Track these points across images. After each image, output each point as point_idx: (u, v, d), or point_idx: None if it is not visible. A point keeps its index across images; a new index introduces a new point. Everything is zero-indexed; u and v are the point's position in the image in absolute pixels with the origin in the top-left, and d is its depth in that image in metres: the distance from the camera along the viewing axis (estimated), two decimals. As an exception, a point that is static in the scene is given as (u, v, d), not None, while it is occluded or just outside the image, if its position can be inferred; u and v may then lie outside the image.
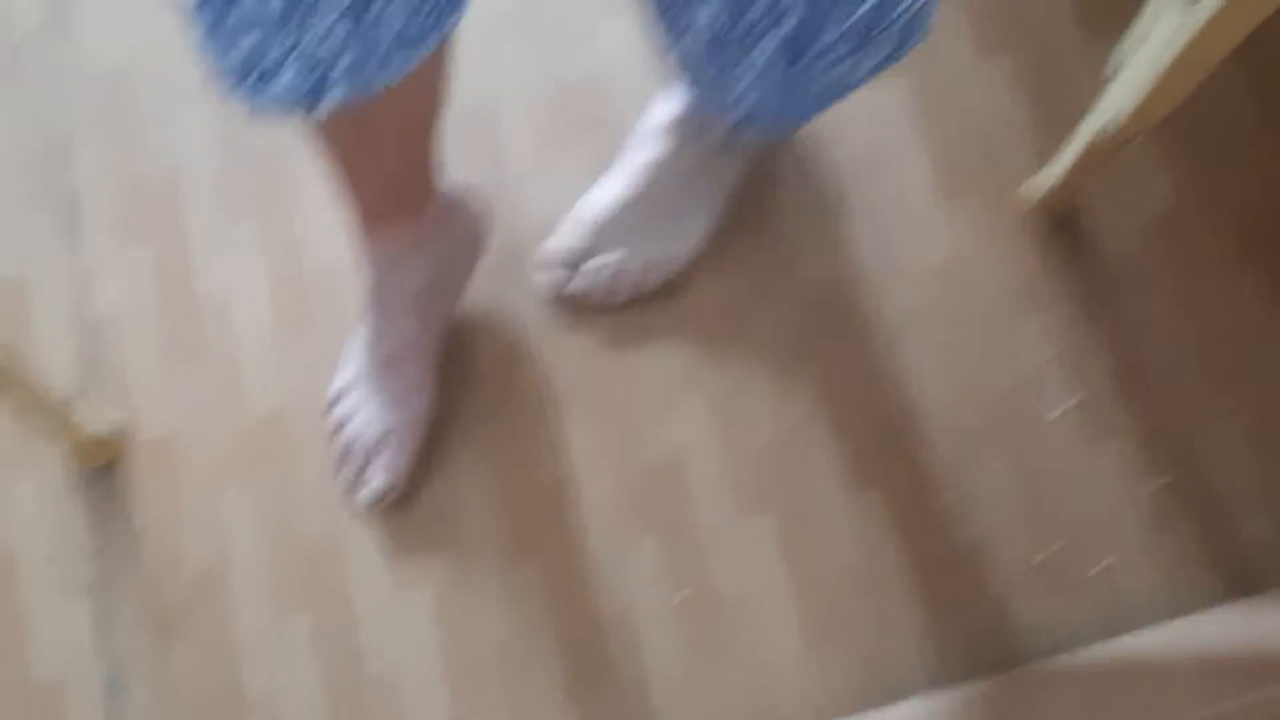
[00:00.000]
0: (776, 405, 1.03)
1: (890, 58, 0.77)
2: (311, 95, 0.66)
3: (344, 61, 0.65)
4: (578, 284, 1.04)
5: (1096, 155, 0.95)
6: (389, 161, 0.86)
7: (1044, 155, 1.05)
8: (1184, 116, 0.99)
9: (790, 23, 0.73)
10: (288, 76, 0.65)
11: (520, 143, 1.11)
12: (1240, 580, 0.98)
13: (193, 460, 1.01)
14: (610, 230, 1.04)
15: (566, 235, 1.04)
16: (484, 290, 1.06)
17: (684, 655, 0.96)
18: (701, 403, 1.03)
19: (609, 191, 1.04)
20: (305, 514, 1.00)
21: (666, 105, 1.04)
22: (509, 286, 1.07)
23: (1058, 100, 1.10)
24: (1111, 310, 1.05)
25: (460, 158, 1.00)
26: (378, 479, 0.98)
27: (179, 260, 1.07)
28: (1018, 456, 1.01)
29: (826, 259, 1.07)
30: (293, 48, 0.63)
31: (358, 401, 1.00)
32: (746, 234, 1.08)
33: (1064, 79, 1.11)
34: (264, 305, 1.06)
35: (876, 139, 1.10)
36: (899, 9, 0.72)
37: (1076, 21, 1.13)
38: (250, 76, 0.65)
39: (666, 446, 1.02)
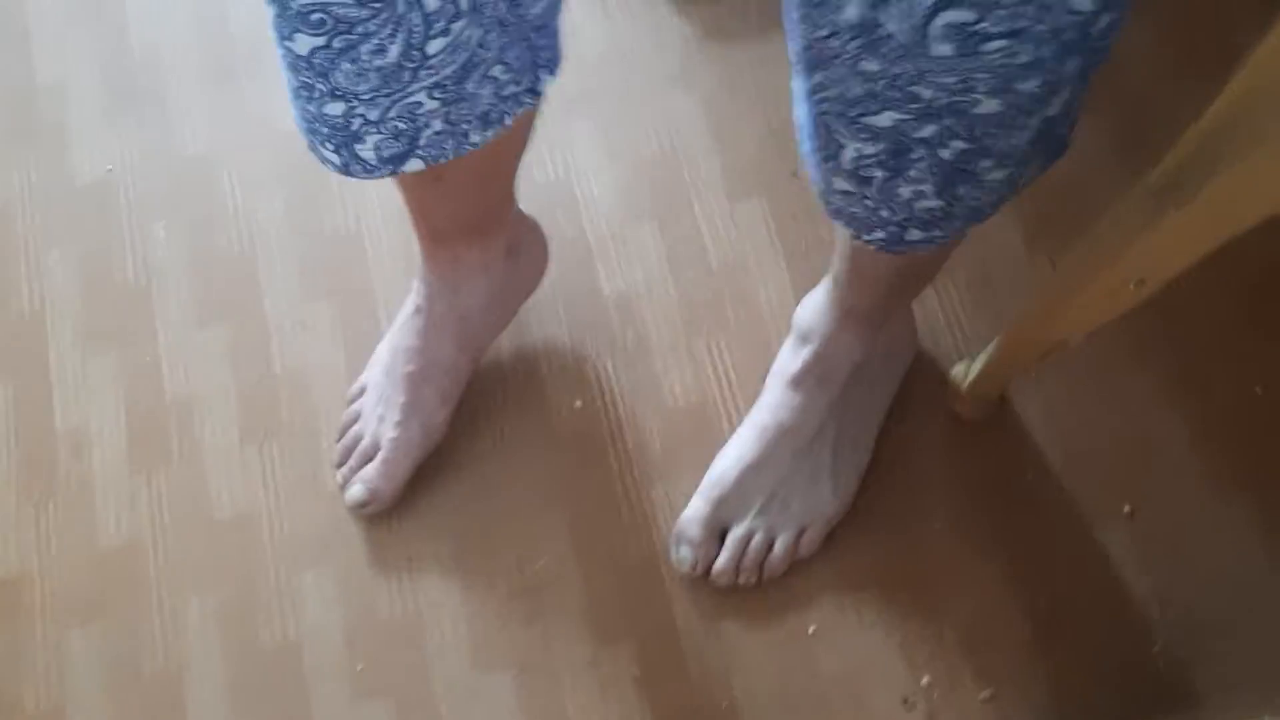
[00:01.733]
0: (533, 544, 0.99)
1: (1040, 170, 0.73)
2: (391, 163, 0.69)
3: (427, 135, 0.67)
4: (725, 559, 0.95)
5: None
6: (461, 204, 0.87)
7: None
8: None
9: (949, 153, 0.68)
10: (371, 144, 0.67)
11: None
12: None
13: (38, 598, 0.98)
14: (751, 495, 0.95)
15: (702, 503, 0.96)
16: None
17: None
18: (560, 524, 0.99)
19: (743, 452, 0.96)
20: (145, 650, 0.96)
21: (792, 357, 0.98)
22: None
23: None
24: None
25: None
26: (357, 488, 0.97)
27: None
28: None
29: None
30: (380, 119, 0.65)
31: (371, 403, 0.99)
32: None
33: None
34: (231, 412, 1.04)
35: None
36: (1057, 130, 0.68)
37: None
38: (335, 140, 0.67)
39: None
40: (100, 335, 1.07)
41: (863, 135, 0.66)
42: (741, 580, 0.95)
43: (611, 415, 1.03)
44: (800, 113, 0.71)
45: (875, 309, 0.93)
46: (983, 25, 0.54)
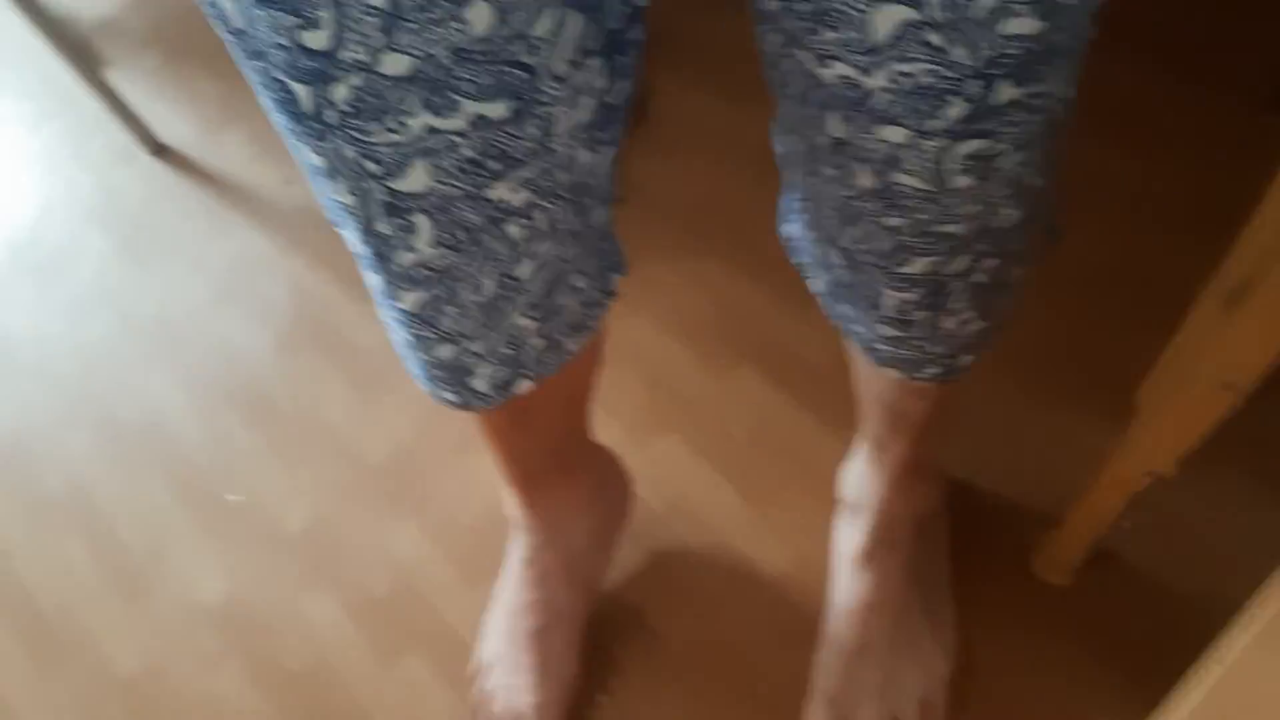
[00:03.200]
0: None
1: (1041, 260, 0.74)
2: (504, 389, 0.72)
3: (530, 354, 0.70)
4: None
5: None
6: (548, 436, 0.88)
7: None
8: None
9: (983, 275, 0.68)
10: (484, 376, 0.70)
11: None
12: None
13: None
14: (864, 683, 0.93)
15: (820, 711, 0.93)
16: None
17: None
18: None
19: (841, 643, 0.94)
20: None
21: (851, 534, 0.97)
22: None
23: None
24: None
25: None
26: None
27: None
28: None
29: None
30: (488, 351, 0.68)
31: (501, 676, 0.96)
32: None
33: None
34: None
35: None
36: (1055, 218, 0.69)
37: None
38: (451, 381, 0.71)
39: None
40: None
41: (900, 284, 0.68)
42: None
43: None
44: (828, 279, 0.74)
45: (923, 455, 0.93)
46: (996, 145, 0.57)
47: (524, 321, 0.68)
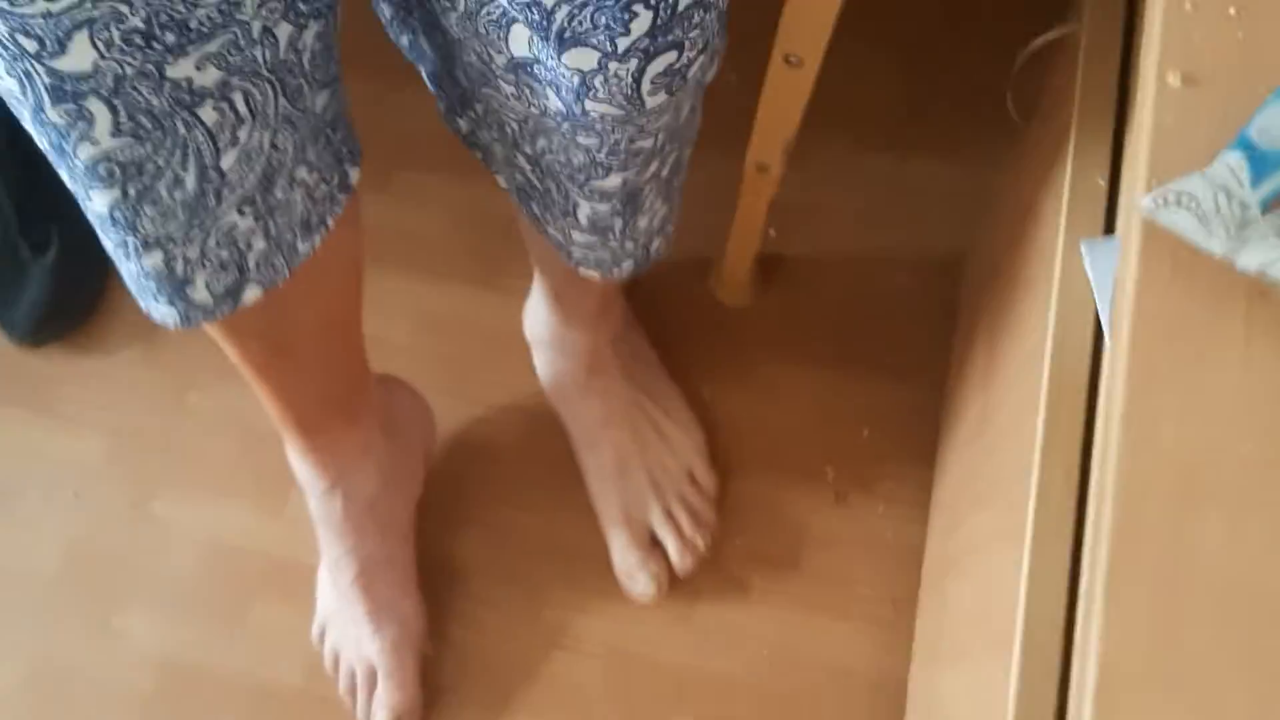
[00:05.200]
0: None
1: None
2: (229, 298, 0.66)
3: (254, 257, 0.65)
4: (674, 549, 0.96)
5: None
6: (316, 376, 0.81)
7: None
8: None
9: (668, 169, 0.67)
10: (201, 284, 0.64)
11: None
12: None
13: None
14: (637, 490, 0.97)
15: (615, 532, 0.97)
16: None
17: None
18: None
19: (600, 466, 0.98)
20: None
21: (557, 371, 0.98)
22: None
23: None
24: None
25: None
26: (381, 717, 0.92)
27: None
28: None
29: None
30: (201, 255, 0.62)
31: (340, 631, 0.94)
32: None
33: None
34: None
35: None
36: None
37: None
38: (165, 292, 0.64)
39: None
40: None
41: (595, 197, 0.67)
42: (703, 546, 0.98)
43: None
44: (517, 180, 0.71)
45: (610, 295, 0.95)
46: (684, 54, 0.55)
47: (238, 218, 0.62)
